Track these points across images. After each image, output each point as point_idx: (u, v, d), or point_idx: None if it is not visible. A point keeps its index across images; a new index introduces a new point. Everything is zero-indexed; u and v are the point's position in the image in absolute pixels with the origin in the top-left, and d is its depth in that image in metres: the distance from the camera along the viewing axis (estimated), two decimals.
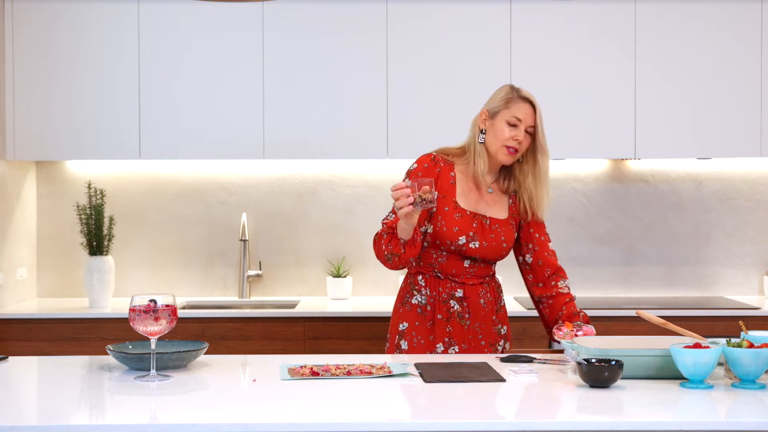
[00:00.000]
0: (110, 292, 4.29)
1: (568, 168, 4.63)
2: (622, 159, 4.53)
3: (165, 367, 2.59)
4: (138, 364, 2.59)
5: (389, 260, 2.92)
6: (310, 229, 4.64)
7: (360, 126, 4.29)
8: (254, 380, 2.50)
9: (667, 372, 2.46)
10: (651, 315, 2.75)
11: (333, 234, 4.63)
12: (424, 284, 3.05)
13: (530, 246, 3.12)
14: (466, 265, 3.02)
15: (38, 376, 2.70)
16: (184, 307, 4.37)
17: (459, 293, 3.02)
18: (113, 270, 4.31)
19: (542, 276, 3.12)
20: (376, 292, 4.60)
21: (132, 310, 2.50)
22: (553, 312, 3.09)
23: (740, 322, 2.69)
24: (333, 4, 4.28)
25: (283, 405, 2.26)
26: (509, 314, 4.10)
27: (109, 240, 4.32)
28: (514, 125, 2.99)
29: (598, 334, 2.88)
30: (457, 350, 3.01)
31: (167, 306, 2.51)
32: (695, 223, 4.65)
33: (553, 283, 3.11)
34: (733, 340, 2.45)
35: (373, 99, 4.29)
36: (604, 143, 4.32)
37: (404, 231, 2.86)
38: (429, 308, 3.03)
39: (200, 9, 4.25)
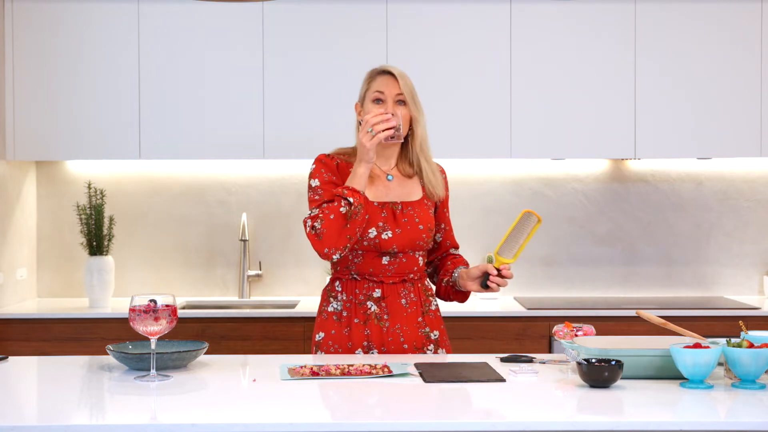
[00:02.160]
0: (110, 292, 4.29)
1: (568, 168, 4.63)
2: (622, 159, 4.53)
3: (165, 367, 2.59)
4: (138, 364, 2.58)
5: (351, 217, 2.73)
6: None
7: None
8: (254, 380, 2.50)
9: (667, 372, 2.46)
10: (651, 315, 2.75)
11: None
12: (340, 289, 2.91)
13: (442, 226, 3.03)
14: (384, 263, 2.88)
15: (38, 376, 2.70)
16: (184, 307, 4.38)
17: (377, 293, 2.88)
18: (113, 270, 4.31)
19: (443, 250, 3.05)
20: None
21: (132, 310, 2.50)
22: (442, 265, 3.02)
23: (740, 322, 2.69)
24: (333, 4, 4.28)
25: (283, 405, 2.26)
26: (510, 314, 4.13)
27: (109, 240, 4.32)
28: (379, 100, 2.87)
29: (598, 334, 2.88)
30: (376, 353, 2.87)
31: (167, 306, 2.51)
32: (695, 223, 4.65)
33: (445, 253, 3.04)
34: (733, 340, 2.45)
35: None
36: (604, 143, 4.32)
37: (362, 178, 2.76)
38: (345, 314, 2.89)
39: (200, 9, 4.25)
